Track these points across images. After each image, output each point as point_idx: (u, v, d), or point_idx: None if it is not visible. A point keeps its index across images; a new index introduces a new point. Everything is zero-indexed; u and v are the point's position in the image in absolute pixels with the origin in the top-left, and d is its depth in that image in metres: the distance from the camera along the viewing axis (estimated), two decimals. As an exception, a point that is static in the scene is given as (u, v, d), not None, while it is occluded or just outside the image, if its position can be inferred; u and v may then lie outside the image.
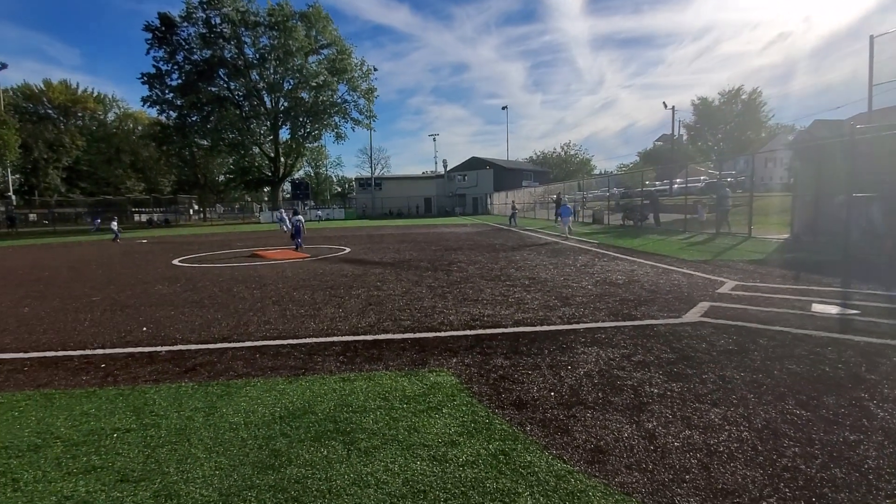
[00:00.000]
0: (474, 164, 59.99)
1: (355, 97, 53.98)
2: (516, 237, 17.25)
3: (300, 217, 15.62)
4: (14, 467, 2.47)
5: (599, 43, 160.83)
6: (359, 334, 4.78)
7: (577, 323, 4.95)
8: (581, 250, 12.04)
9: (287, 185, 62.49)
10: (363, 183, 60.38)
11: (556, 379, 3.44)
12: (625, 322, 4.92)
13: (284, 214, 15.69)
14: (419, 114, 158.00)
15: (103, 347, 4.62)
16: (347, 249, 14.26)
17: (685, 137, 57.11)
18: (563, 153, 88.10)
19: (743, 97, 51.53)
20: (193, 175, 60.28)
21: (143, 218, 53.95)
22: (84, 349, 4.58)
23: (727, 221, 14.79)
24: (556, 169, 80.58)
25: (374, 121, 55.54)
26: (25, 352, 4.57)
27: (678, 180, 38.64)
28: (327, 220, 49.78)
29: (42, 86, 59.10)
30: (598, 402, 3.04)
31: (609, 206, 23.18)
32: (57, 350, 4.59)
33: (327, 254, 13.19)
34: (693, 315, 5.14)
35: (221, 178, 66.70)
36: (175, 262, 12.42)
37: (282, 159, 54.68)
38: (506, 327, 4.89)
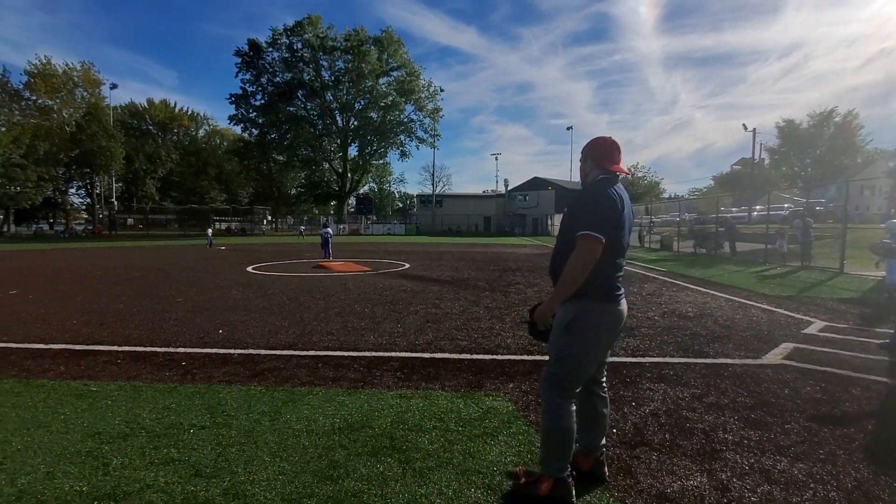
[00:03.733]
0: (536, 184, 59.51)
1: (421, 117, 55.74)
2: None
3: (328, 230, 17.52)
4: (105, 452, 2.73)
5: (673, 62, 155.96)
6: (416, 351, 4.84)
7: (643, 356, 4.71)
8: (648, 278, 11.50)
9: (352, 200, 65.23)
10: (424, 199, 61.68)
11: (618, 415, 3.29)
12: (696, 359, 4.62)
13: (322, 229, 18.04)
14: (482, 133, 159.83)
15: (185, 346, 5.01)
16: (407, 265, 14.56)
17: (767, 161, 53.27)
18: (630, 175, 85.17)
19: (836, 119, 47.27)
20: (269, 188, 64.51)
21: (223, 226, 58.30)
22: (168, 346, 4.99)
23: (809, 254, 13.62)
24: (621, 192, 77.72)
25: (438, 140, 56.89)
26: (119, 345, 5.06)
27: (757, 207, 36.05)
28: (388, 234, 51.20)
29: (146, 104, 66.22)
30: (664, 444, 2.86)
31: (680, 232, 22.01)
32: (146, 345, 5.04)
33: (387, 268, 13.53)
34: (774, 356, 4.73)
35: (293, 191, 70.82)
36: (249, 269, 13.28)
37: (349, 175, 57.28)
38: (565, 355, 4.75)
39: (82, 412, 3.30)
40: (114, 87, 52.27)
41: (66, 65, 50.26)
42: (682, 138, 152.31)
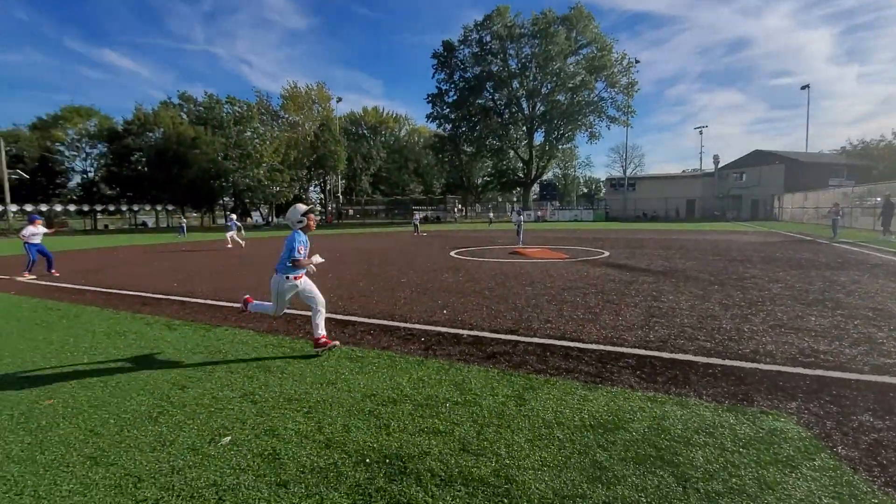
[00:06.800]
0: (757, 158, 49.80)
1: (612, 94, 51.87)
2: (829, 251, 13.36)
3: (521, 217, 18.34)
4: (382, 414, 3.10)
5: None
6: (651, 349, 4.36)
7: None
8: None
9: (536, 187, 65.04)
10: (615, 183, 57.60)
11: None
12: None
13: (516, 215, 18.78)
14: (680, 104, 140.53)
15: (418, 323, 5.53)
16: (606, 253, 13.68)
17: None
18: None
19: None
20: (459, 178, 68.85)
21: (420, 215, 64.71)
22: (406, 322, 5.58)
23: None
24: (884, 163, 59.36)
25: (632, 116, 52.29)
26: (368, 318, 5.87)
27: None
28: (575, 220, 49.49)
29: (361, 112, 77.41)
30: None
31: None
32: (388, 320, 5.73)
33: (585, 256, 12.93)
34: None
35: (480, 180, 74.21)
36: (452, 253, 14.28)
37: (535, 162, 57.09)
38: (861, 373, 3.67)
39: (356, 374, 3.86)
40: (339, 100, 62.52)
41: (307, 86, 62.07)
42: None
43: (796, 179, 43.47)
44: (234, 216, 21.44)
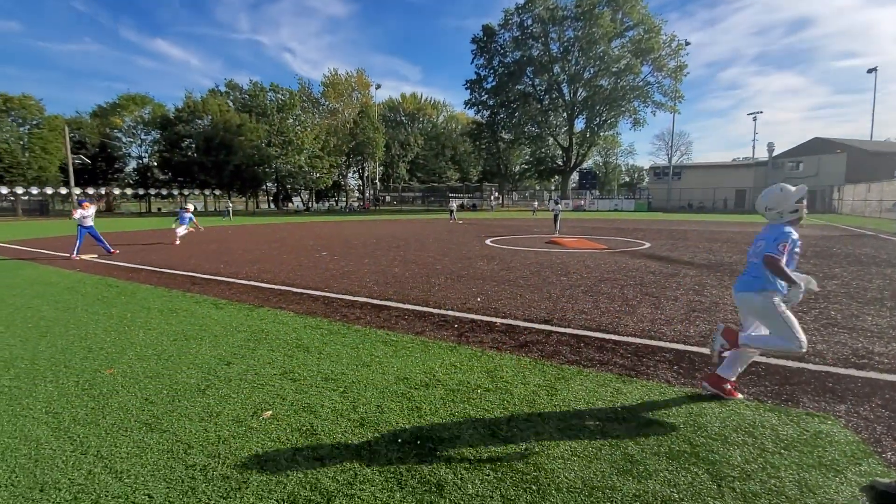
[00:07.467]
0: (815, 146, 46.67)
1: (659, 78, 49.62)
2: (891, 247, 12.47)
3: (559, 206, 18.67)
4: (415, 397, 3.17)
5: None
6: (690, 344, 4.24)
7: None
8: None
9: (575, 175, 63.56)
10: (659, 172, 55.52)
11: None
12: None
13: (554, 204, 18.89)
14: (733, 89, 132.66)
15: (452, 310, 5.58)
16: (647, 244, 13.27)
17: None
18: None
19: None
20: (496, 166, 68.16)
21: (456, 203, 64.69)
22: (440, 308, 5.64)
23: None
24: (969, 150, 54.16)
25: (680, 101, 49.95)
26: (403, 303, 5.97)
27: None
28: (615, 210, 48.14)
29: (399, 98, 77.61)
30: None
31: None
32: (422, 306, 5.81)
33: (625, 247, 12.59)
34: None
35: (517, 168, 73.23)
36: (487, 241, 14.24)
37: (574, 149, 55.71)
38: (923, 378, 3.45)
39: (390, 357, 3.95)
40: (378, 87, 62.80)
41: (347, 73, 62.71)
42: None
43: (859, 169, 40.51)
44: (189, 206, 16.05)
